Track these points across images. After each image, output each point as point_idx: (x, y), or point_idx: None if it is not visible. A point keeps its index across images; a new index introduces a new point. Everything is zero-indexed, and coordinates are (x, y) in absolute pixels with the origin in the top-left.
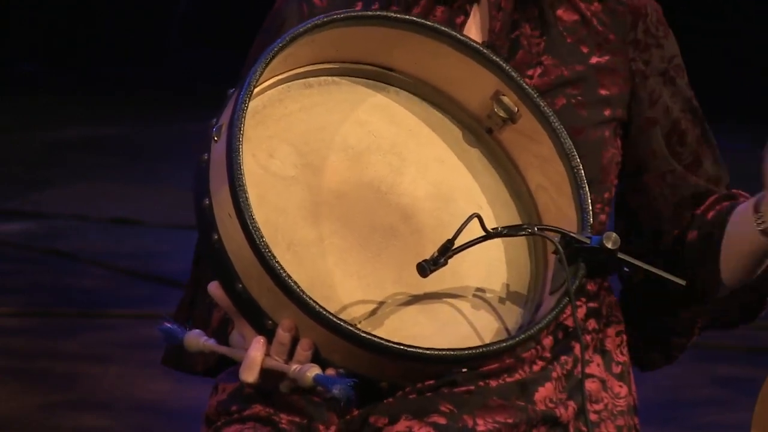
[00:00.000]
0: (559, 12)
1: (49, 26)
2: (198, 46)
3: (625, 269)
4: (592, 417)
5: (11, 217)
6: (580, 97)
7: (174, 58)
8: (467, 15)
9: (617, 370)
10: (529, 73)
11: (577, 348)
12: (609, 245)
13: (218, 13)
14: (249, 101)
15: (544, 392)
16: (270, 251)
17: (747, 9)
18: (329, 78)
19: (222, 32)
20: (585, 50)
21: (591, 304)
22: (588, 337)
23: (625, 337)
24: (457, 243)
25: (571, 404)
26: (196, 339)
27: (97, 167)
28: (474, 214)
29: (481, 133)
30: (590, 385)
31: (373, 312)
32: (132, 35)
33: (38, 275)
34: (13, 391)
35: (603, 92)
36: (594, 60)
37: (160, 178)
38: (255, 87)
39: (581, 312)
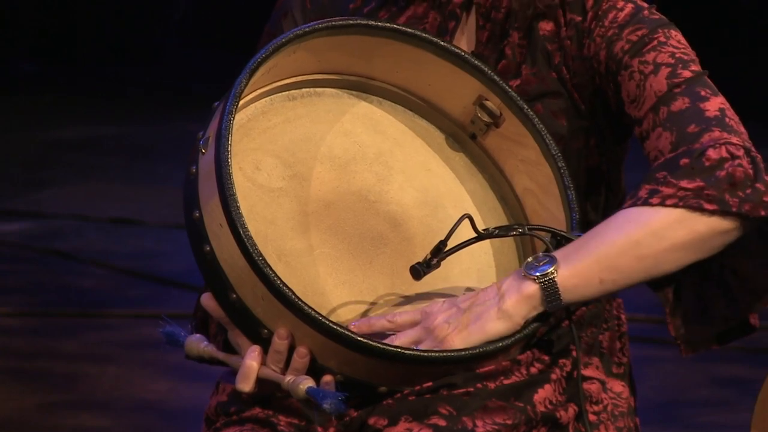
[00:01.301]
0: (542, 23)
1: (49, 26)
2: (198, 46)
3: None
4: (592, 418)
5: (11, 217)
6: (558, 107)
7: (174, 58)
8: (458, 21)
9: (618, 370)
10: (510, 83)
11: (576, 350)
12: None
13: (218, 14)
14: (235, 111)
15: (543, 394)
16: (263, 258)
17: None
18: (311, 90)
19: (222, 33)
20: (557, 60)
21: (589, 306)
22: (586, 339)
23: (627, 339)
24: (449, 247)
25: (572, 406)
26: (197, 344)
27: (97, 167)
28: (465, 214)
29: (466, 139)
30: (590, 387)
31: (366, 317)
32: (132, 35)
33: (38, 275)
34: (13, 391)
35: (577, 103)
36: (563, 71)
37: (160, 178)
38: (240, 98)
39: (578, 313)
